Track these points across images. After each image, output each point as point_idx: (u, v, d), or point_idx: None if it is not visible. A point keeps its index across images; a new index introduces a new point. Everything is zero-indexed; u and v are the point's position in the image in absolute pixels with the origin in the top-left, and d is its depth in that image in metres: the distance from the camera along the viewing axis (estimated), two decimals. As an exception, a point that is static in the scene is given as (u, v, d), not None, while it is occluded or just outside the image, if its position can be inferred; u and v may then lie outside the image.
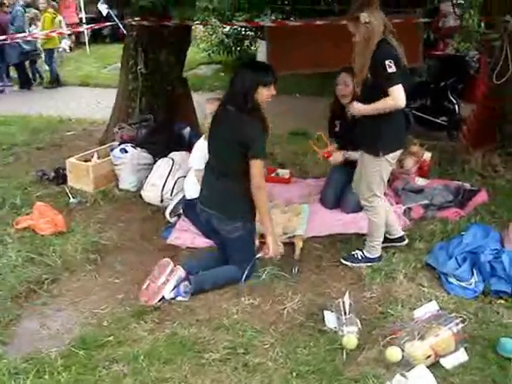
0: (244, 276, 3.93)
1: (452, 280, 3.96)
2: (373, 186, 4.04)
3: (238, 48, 13.14)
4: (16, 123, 8.43)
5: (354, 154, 4.89)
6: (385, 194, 5.19)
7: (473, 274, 3.96)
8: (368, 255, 4.23)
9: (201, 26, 13.29)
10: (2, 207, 5.24)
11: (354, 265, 4.23)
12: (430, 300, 3.71)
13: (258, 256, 4.07)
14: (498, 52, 5.90)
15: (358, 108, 3.93)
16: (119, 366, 3.20)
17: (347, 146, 5.06)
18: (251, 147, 3.68)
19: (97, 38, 16.37)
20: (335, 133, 5.23)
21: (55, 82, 11.93)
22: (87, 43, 15.25)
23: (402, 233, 4.43)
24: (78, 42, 15.86)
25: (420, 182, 5.47)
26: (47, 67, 12.20)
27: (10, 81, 12.04)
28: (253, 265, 4.04)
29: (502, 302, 3.78)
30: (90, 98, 10.48)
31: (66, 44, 14.52)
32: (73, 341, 3.46)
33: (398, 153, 4.05)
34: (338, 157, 5.10)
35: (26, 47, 11.29)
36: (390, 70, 3.64)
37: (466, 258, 4.06)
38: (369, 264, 4.21)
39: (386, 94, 3.70)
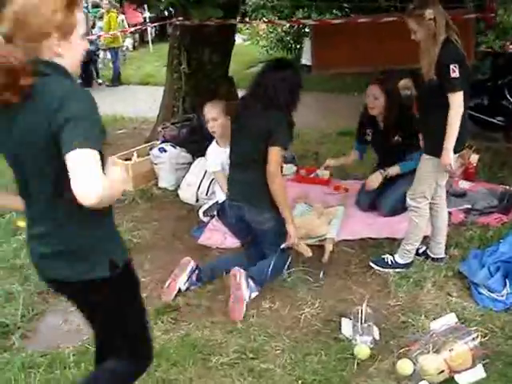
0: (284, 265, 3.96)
1: (483, 291, 3.77)
2: (425, 186, 3.92)
3: (298, 45, 13.05)
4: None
5: (392, 170, 4.77)
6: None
7: (505, 284, 3.76)
8: (398, 260, 4.11)
9: (263, 24, 13.31)
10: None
11: (382, 269, 4.12)
12: (456, 311, 3.56)
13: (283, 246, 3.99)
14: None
15: (446, 158, 3.70)
16: (128, 366, 3.21)
17: (384, 157, 4.96)
18: (273, 134, 3.63)
19: (161, 36, 16.63)
20: (366, 141, 5.11)
21: (117, 80, 12.23)
22: (150, 42, 15.54)
23: (444, 255, 4.23)
24: (142, 40, 16.17)
25: (464, 185, 5.27)
26: (111, 65, 12.52)
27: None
28: (287, 257, 4.02)
29: (535, 315, 3.58)
30: (148, 96, 10.65)
31: (129, 43, 14.85)
32: (89, 337, 3.49)
33: (457, 155, 3.88)
34: (376, 179, 4.91)
35: (89, 47, 11.61)
36: (453, 75, 3.54)
37: (500, 267, 3.86)
38: (397, 270, 4.08)
39: (446, 99, 3.61)
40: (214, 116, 4.54)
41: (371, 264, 4.19)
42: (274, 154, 3.65)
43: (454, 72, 3.53)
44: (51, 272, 2.17)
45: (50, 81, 1.87)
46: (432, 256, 4.18)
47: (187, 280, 3.88)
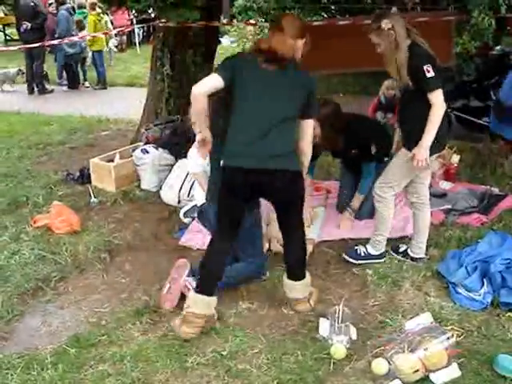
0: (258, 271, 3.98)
1: (460, 290, 3.80)
2: (393, 177, 3.98)
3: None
4: (56, 123, 8.69)
5: (356, 202, 4.83)
6: (407, 197, 5.10)
7: (483, 284, 3.78)
8: (371, 251, 4.19)
9: (250, 26, 13.32)
10: (25, 206, 5.40)
11: (356, 261, 4.20)
12: (433, 310, 3.59)
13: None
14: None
15: (422, 152, 3.75)
16: (105, 366, 3.21)
17: (347, 164, 5.14)
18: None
19: (149, 38, 16.61)
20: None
21: (102, 83, 12.20)
22: (137, 43, 15.53)
23: (423, 255, 4.26)
24: (130, 42, 16.15)
25: (444, 185, 5.31)
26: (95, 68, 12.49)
27: (63, 81, 12.41)
28: (263, 263, 4.04)
29: (511, 315, 3.60)
30: (134, 98, 10.61)
31: (112, 44, 14.82)
32: (68, 339, 3.50)
33: (435, 156, 3.99)
34: (348, 220, 4.88)
35: (70, 50, 11.61)
36: (429, 75, 3.62)
37: (477, 267, 3.89)
38: (371, 261, 4.17)
39: (427, 99, 3.66)
40: None
41: (345, 257, 4.26)
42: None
43: (429, 72, 3.60)
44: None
45: None
46: (412, 255, 4.22)
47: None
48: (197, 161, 4.33)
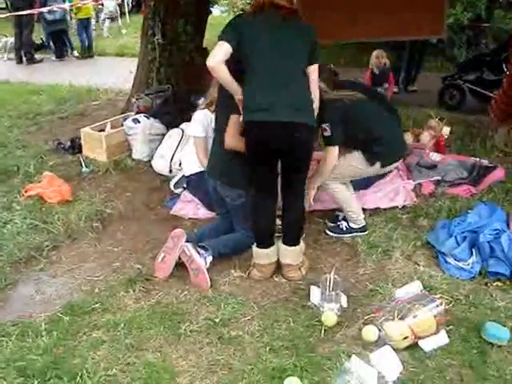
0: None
1: (449, 260, 3.84)
2: (341, 175, 4.11)
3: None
4: (46, 92, 8.62)
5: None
6: (397, 168, 5.15)
7: (472, 254, 3.83)
8: (352, 225, 4.25)
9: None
10: (16, 175, 5.39)
11: (339, 236, 4.27)
12: (423, 279, 3.64)
13: None
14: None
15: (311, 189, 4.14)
16: (99, 333, 3.25)
17: None
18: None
19: (139, 8, 16.40)
20: None
21: (86, 52, 12.05)
22: (127, 13, 15.35)
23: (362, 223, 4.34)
24: (120, 12, 15.94)
25: (435, 157, 5.33)
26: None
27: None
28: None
29: (500, 284, 3.65)
30: (123, 68, 10.51)
31: (105, 15, 14.65)
32: (62, 307, 3.53)
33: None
34: None
35: (48, 17, 11.40)
36: (326, 134, 3.91)
37: (466, 237, 3.93)
38: (354, 234, 4.24)
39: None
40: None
41: (328, 232, 4.32)
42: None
43: (326, 131, 3.89)
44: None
45: None
46: (354, 227, 4.29)
47: (200, 256, 3.76)
48: (201, 124, 4.29)
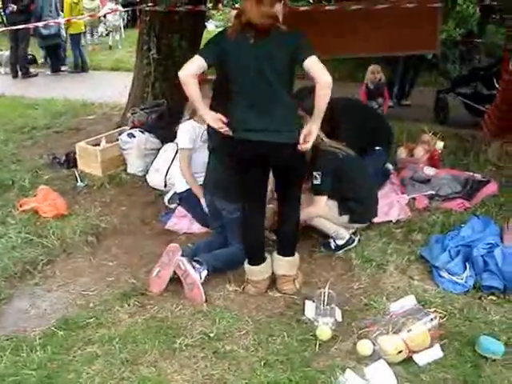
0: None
1: (443, 274, 3.86)
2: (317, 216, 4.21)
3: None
4: (41, 106, 8.64)
5: None
6: (391, 182, 5.18)
7: (465, 268, 3.85)
8: (339, 242, 4.28)
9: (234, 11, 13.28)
10: (11, 189, 5.40)
11: (331, 253, 4.28)
12: (417, 293, 3.65)
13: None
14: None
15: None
16: (93, 348, 3.25)
17: None
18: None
19: (134, 22, 16.48)
20: None
21: (79, 67, 12.08)
22: (122, 28, 15.42)
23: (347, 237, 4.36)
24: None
25: (428, 171, 5.35)
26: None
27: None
28: None
29: (494, 298, 3.67)
30: (119, 82, 10.55)
31: (103, 28, 14.74)
32: (56, 321, 3.53)
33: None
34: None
35: (44, 31, 11.44)
36: (315, 182, 4.05)
37: (460, 251, 3.96)
38: (345, 249, 4.26)
39: None
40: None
41: (322, 248, 4.34)
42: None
43: (317, 179, 4.04)
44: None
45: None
46: (339, 244, 4.31)
47: (195, 271, 3.75)
48: (188, 135, 4.31)
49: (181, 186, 4.67)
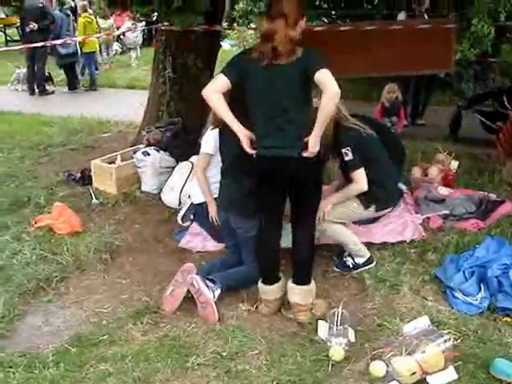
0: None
1: (457, 295, 3.84)
2: (335, 217, 4.12)
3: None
4: (57, 124, 8.74)
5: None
6: (406, 202, 5.16)
7: (480, 289, 3.83)
8: (358, 260, 4.22)
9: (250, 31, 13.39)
10: (27, 206, 5.45)
11: (346, 272, 4.21)
12: (431, 314, 3.63)
13: None
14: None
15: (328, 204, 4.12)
16: (106, 365, 3.26)
17: None
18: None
19: (150, 41, 16.63)
20: None
21: (92, 85, 12.23)
22: (138, 46, 15.60)
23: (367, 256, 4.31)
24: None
25: (443, 191, 5.34)
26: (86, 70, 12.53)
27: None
28: None
29: (508, 319, 3.64)
30: (134, 100, 10.64)
31: (117, 47, 14.92)
32: (69, 338, 3.55)
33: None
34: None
35: (62, 51, 11.60)
36: (348, 158, 3.97)
37: (475, 272, 3.93)
38: (361, 269, 4.20)
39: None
40: None
41: (335, 269, 4.28)
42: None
43: (348, 155, 3.96)
44: None
45: None
46: (358, 262, 4.26)
47: (209, 289, 3.76)
48: (215, 142, 4.30)
49: (198, 198, 4.67)
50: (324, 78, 3.09)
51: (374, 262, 4.24)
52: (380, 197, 4.18)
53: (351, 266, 4.23)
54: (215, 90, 3.28)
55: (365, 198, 4.12)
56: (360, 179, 4.01)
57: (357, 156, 3.97)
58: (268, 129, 3.36)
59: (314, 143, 3.27)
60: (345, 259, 4.29)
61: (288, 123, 3.32)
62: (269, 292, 3.74)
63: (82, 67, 12.92)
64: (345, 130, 3.99)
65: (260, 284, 3.76)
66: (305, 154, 3.30)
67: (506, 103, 7.31)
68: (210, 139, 4.38)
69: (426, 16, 7.72)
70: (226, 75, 3.30)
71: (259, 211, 3.70)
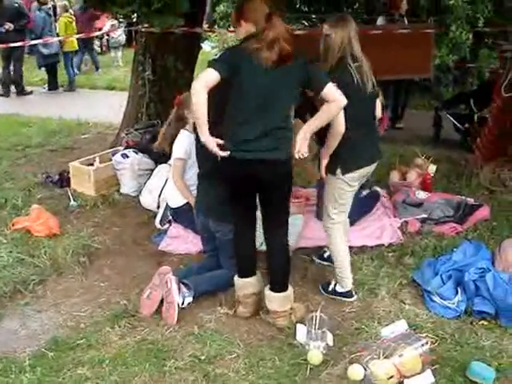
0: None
1: (435, 298, 3.87)
2: (328, 206, 3.87)
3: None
4: (36, 125, 8.65)
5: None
6: (384, 206, 5.20)
7: (457, 292, 3.86)
8: (337, 288, 3.98)
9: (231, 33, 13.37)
10: (4, 208, 5.37)
11: (324, 293, 4.05)
12: (408, 318, 3.66)
13: None
14: (509, 64, 5.80)
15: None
16: (83, 370, 3.23)
17: None
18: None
19: (130, 42, 16.53)
20: None
21: (70, 85, 12.15)
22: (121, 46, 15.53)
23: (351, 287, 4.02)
24: (109, 46, 16.09)
25: (421, 195, 5.37)
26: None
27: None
28: None
29: (485, 323, 3.68)
30: (114, 102, 10.57)
31: (96, 46, 14.85)
32: (46, 342, 3.51)
33: (357, 173, 3.78)
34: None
35: (44, 51, 11.50)
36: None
37: (452, 275, 3.97)
38: (337, 298, 3.98)
39: None
40: None
41: (320, 289, 4.10)
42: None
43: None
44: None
45: None
46: None
47: (179, 293, 3.74)
48: (183, 145, 4.30)
49: (174, 201, 4.67)
50: (333, 91, 3.21)
51: (354, 298, 3.97)
52: (345, 157, 3.70)
53: (330, 289, 4.02)
54: (206, 86, 3.15)
55: (331, 161, 3.74)
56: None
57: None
58: (256, 130, 3.29)
59: (304, 143, 3.30)
60: (330, 281, 4.07)
61: (277, 125, 3.31)
62: (246, 285, 3.73)
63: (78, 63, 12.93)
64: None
65: (237, 280, 3.75)
66: (297, 155, 3.31)
67: (472, 106, 7.57)
68: (180, 143, 4.39)
69: (405, 20, 7.79)
70: (218, 70, 3.18)
71: (235, 213, 3.69)
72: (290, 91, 3.33)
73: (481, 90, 8.03)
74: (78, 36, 11.93)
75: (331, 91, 3.21)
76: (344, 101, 3.22)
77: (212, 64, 3.24)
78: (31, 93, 11.78)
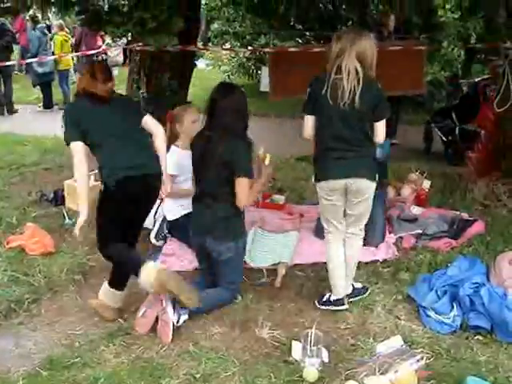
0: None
1: (430, 313, 3.87)
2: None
3: (259, 71, 13.25)
4: (30, 143, 8.66)
5: None
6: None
7: (452, 307, 3.87)
8: (332, 297, 4.00)
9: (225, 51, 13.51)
10: (-2, 226, 5.35)
11: (321, 306, 4.03)
12: (404, 334, 3.66)
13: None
14: (500, 79, 5.86)
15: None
16: (78, 389, 3.21)
17: None
18: (236, 165, 3.72)
19: (125, 61, 16.60)
20: None
21: (65, 103, 12.14)
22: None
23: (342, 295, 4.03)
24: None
25: (415, 210, 5.41)
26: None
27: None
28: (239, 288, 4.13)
29: (480, 338, 3.68)
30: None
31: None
32: (41, 361, 3.49)
33: (326, 185, 3.79)
34: None
35: (39, 69, 11.53)
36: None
37: (447, 291, 3.98)
38: (333, 308, 4.00)
39: None
40: (195, 118, 4.73)
41: (316, 303, 4.09)
42: (243, 186, 3.74)
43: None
44: None
45: None
46: None
47: (174, 312, 3.72)
48: (172, 161, 4.46)
49: (171, 214, 4.70)
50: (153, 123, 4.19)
51: (345, 306, 3.98)
52: (317, 165, 3.87)
53: (325, 300, 4.03)
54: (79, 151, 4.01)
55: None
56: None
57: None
58: (125, 151, 3.81)
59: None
60: (324, 293, 4.09)
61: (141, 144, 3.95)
62: (117, 298, 3.95)
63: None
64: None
65: (116, 292, 3.94)
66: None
67: (454, 119, 7.84)
68: (169, 159, 4.42)
69: (393, 37, 7.86)
70: (71, 137, 4.02)
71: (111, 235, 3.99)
72: (127, 118, 4.02)
73: (461, 103, 8.22)
74: (73, 54, 12.01)
75: (152, 126, 4.11)
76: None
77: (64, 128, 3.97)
78: (17, 111, 11.77)
